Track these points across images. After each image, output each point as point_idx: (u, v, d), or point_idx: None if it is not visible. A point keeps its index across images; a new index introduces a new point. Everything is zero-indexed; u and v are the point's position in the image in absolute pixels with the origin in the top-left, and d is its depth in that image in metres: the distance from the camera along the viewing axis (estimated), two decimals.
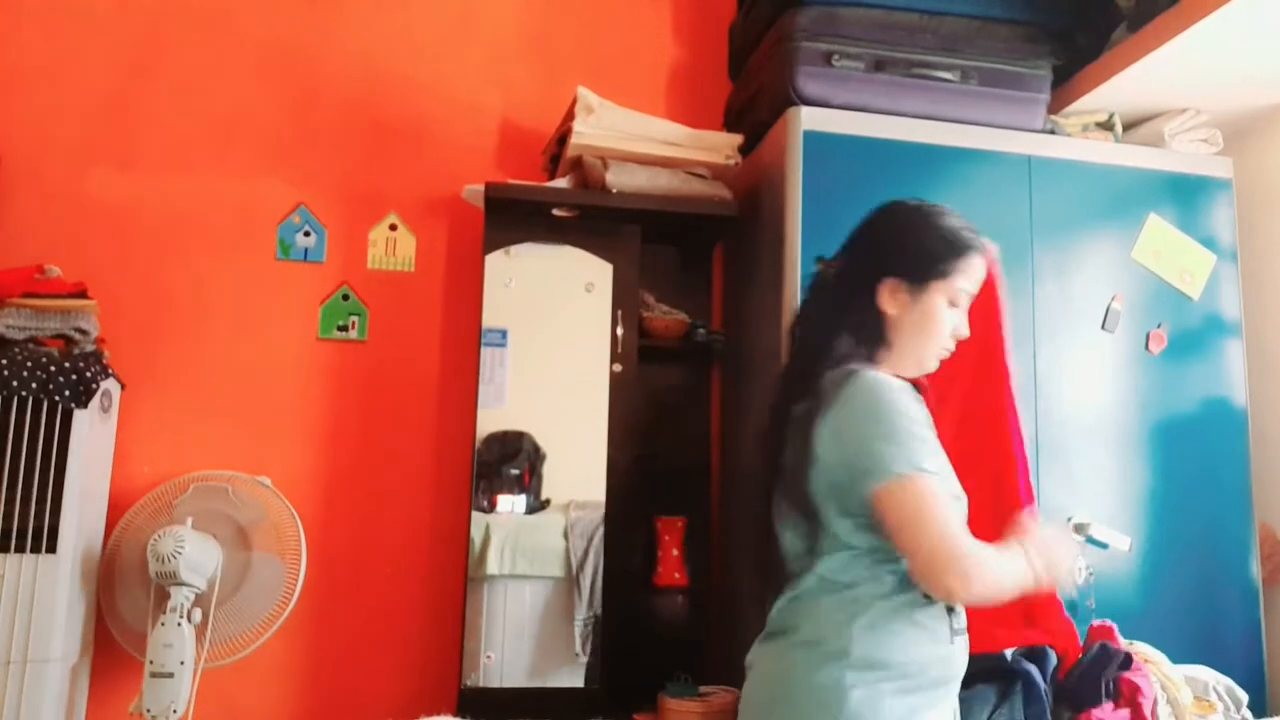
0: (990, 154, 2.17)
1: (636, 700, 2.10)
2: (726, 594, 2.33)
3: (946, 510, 1.32)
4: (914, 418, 1.36)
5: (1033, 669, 1.72)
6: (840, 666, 1.31)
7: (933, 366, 1.48)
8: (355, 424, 2.38)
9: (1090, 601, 2.05)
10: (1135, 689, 1.72)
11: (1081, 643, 1.87)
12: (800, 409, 1.41)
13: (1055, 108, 2.31)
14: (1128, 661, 1.75)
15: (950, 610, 1.38)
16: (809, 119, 2.09)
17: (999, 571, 1.30)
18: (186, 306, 2.34)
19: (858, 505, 1.34)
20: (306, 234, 2.41)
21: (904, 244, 1.47)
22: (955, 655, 1.39)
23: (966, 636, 1.42)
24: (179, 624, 1.96)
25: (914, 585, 1.34)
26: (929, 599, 1.35)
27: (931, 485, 1.31)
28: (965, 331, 1.46)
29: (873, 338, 1.46)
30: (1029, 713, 1.69)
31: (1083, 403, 2.14)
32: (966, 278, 1.45)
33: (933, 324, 1.43)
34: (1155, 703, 1.74)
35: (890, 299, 1.44)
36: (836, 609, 1.35)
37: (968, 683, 1.69)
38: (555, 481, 2.20)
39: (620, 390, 2.20)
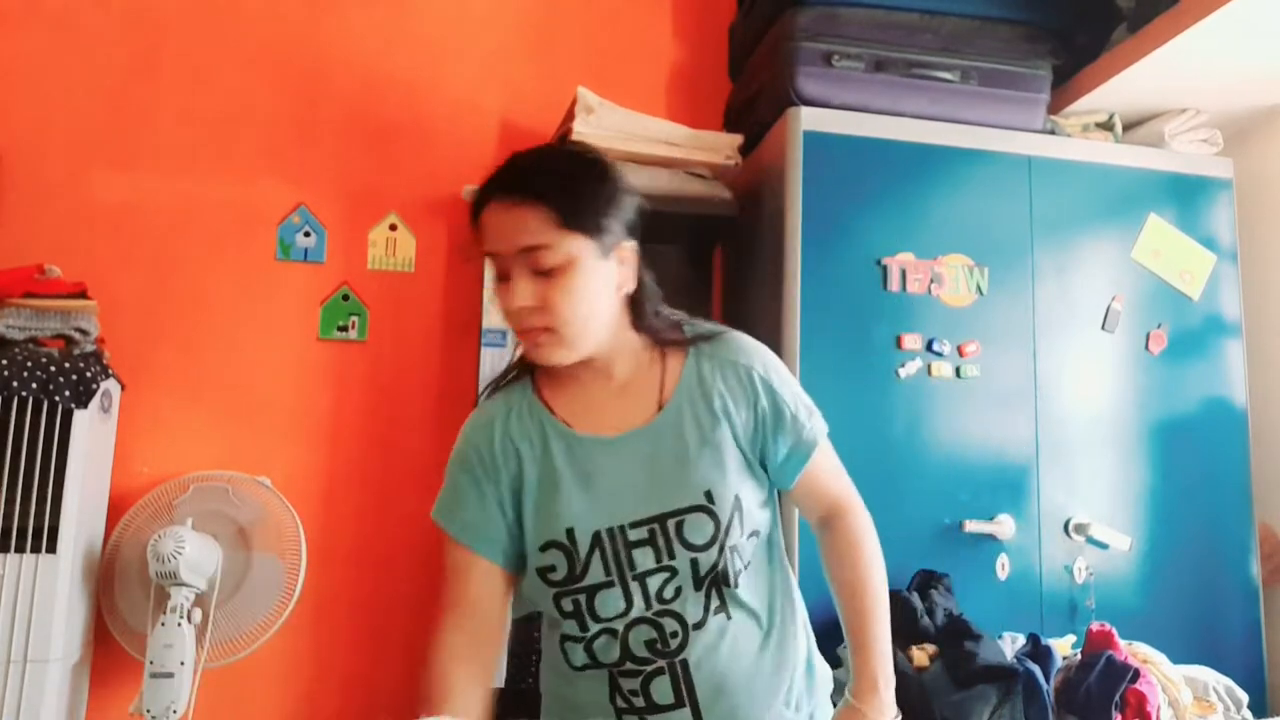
0: (990, 154, 2.17)
1: None
2: None
3: (449, 569, 1.17)
4: (463, 459, 1.19)
5: (1035, 669, 1.72)
6: None
7: (527, 350, 1.16)
8: (355, 424, 2.38)
9: (1090, 601, 2.05)
10: (1142, 698, 1.72)
11: (1080, 647, 1.88)
12: None
13: (1055, 108, 2.31)
14: (1135, 676, 1.74)
15: (615, 667, 1.15)
16: (809, 119, 2.09)
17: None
18: (186, 307, 2.34)
19: None
20: (306, 234, 2.41)
21: None
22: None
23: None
24: (179, 624, 1.96)
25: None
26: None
27: (444, 536, 1.17)
28: (510, 299, 1.10)
29: None
30: (1030, 712, 1.68)
31: (1083, 403, 2.14)
32: (485, 238, 1.13)
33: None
34: (1159, 709, 1.74)
35: None
36: None
37: (968, 682, 1.70)
38: None
39: None
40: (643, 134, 2.25)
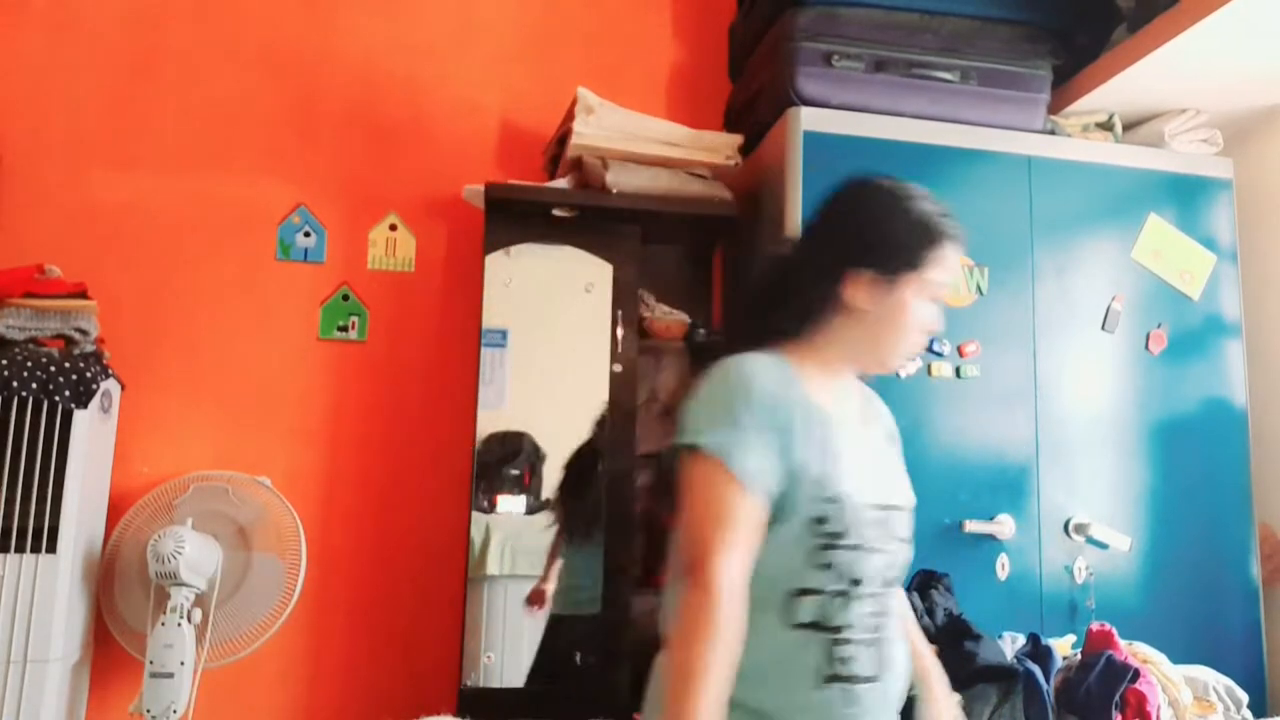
0: (990, 154, 2.17)
1: (637, 700, 2.10)
2: None
3: (726, 509, 1.14)
4: (750, 402, 1.19)
5: (1035, 669, 1.72)
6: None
7: (896, 364, 1.35)
8: (355, 424, 2.38)
9: (1090, 602, 2.05)
10: (1142, 698, 1.72)
11: (1080, 647, 1.88)
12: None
13: (1055, 108, 2.31)
14: (1135, 676, 1.74)
15: (834, 632, 1.16)
16: (809, 119, 2.09)
17: (694, 653, 1.08)
18: (186, 307, 2.34)
19: None
20: (306, 234, 2.41)
21: (874, 232, 1.30)
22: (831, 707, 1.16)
23: (879, 684, 1.18)
24: (179, 624, 1.96)
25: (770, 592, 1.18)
26: (805, 623, 1.17)
27: (717, 471, 1.16)
28: (937, 326, 1.33)
29: (816, 323, 1.31)
30: (1030, 712, 1.68)
31: (1083, 403, 2.14)
32: (940, 269, 1.29)
33: (903, 319, 1.29)
34: (1159, 709, 1.74)
35: (858, 292, 1.28)
36: None
37: (969, 682, 1.70)
38: (555, 482, 2.20)
39: (620, 391, 2.20)
40: (643, 134, 2.25)
